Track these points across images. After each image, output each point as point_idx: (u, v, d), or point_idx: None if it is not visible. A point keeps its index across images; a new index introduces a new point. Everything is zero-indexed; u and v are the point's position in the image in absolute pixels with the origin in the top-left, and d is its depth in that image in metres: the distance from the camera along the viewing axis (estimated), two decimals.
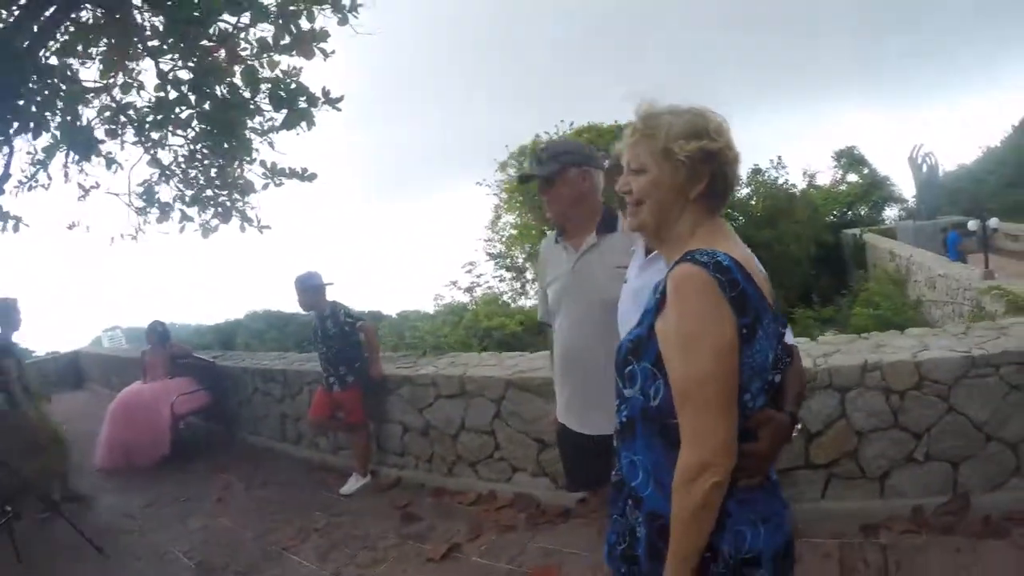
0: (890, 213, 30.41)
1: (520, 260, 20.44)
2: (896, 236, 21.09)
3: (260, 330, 21.24)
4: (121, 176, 6.73)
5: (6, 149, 5.36)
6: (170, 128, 5.83)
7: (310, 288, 4.71)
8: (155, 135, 6.10)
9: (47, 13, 4.89)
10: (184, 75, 5.24)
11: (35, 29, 4.88)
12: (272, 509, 4.45)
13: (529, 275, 19.91)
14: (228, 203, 6.55)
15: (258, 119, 5.68)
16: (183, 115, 5.53)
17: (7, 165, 5.49)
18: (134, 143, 6.18)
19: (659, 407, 1.21)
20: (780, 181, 23.39)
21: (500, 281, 19.71)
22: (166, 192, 6.55)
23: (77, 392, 11.57)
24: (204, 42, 4.99)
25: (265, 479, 5.13)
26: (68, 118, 5.40)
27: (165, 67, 5.28)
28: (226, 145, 5.80)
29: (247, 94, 5.30)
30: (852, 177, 31.78)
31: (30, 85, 4.88)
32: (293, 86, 5.20)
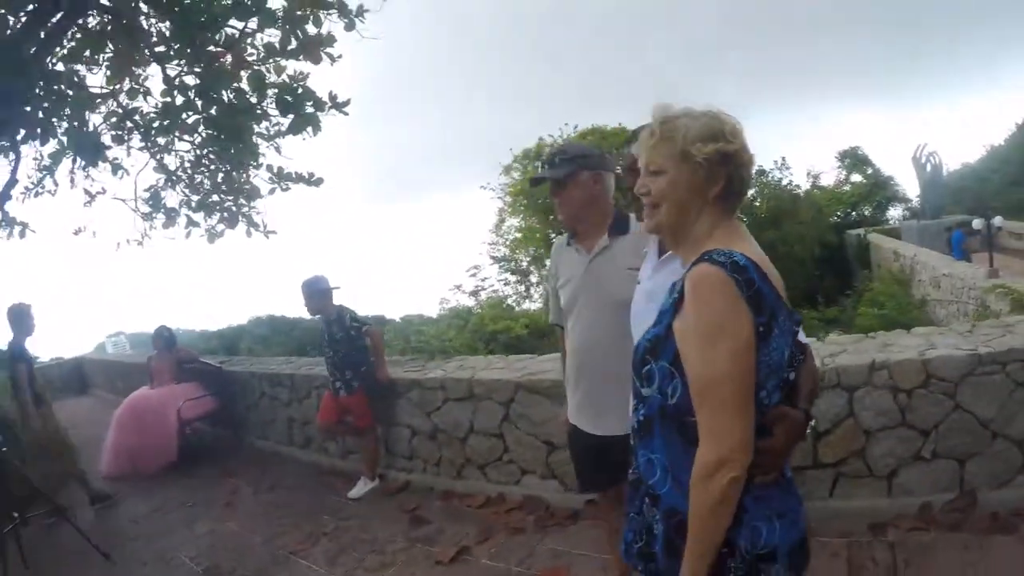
0: (894, 213, 30.44)
1: (525, 263, 20.48)
2: (900, 236, 21.08)
3: (264, 335, 21.28)
4: (127, 182, 6.77)
5: (13, 155, 5.40)
6: (176, 133, 5.87)
7: (316, 292, 4.72)
8: (161, 140, 6.14)
9: (54, 19, 4.92)
10: (191, 80, 5.27)
11: (42, 35, 4.90)
12: (280, 513, 4.46)
13: (534, 279, 19.95)
14: (234, 208, 6.57)
15: (265, 124, 5.70)
16: (190, 120, 5.56)
17: (14, 171, 5.52)
18: (140, 149, 6.21)
19: (677, 405, 1.23)
20: (784, 182, 23.46)
21: (505, 285, 19.77)
22: (172, 197, 6.58)
23: (82, 398, 11.62)
24: (211, 47, 5.01)
25: (273, 483, 5.14)
26: (75, 124, 5.44)
27: (172, 72, 5.31)
28: (233, 150, 5.82)
29: (254, 99, 5.33)
30: (856, 177, 31.79)
31: (37, 91, 4.91)
32: (300, 91, 5.23)
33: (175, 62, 5.31)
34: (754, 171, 1.37)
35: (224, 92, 5.27)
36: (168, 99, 5.36)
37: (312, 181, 5.96)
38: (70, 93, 5.32)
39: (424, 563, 3.41)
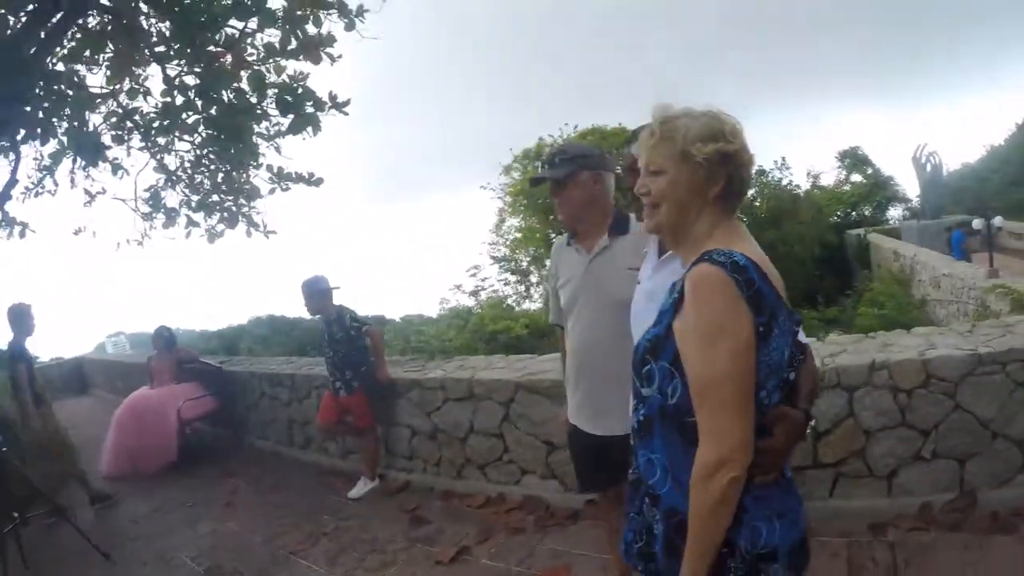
0: (894, 213, 30.45)
1: (525, 264, 20.48)
2: (900, 236, 21.08)
3: (264, 335, 21.30)
4: (127, 182, 6.76)
5: (13, 155, 5.39)
6: (177, 133, 5.87)
7: (316, 292, 4.71)
8: (162, 140, 6.13)
9: (54, 19, 4.92)
10: (191, 80, 5.27)
11: (42, 35, 4.90)
12: (280, 513, 4.46)
13: (534, 279, 19.94)
14: (234, 208, 6.57)
15: (265, 124, 5.70)
16: (190, 120, 5.56)
17: (14, 171, 5.52)
18: (140, 149, 6.21)
19: (677, 405, 1.23)
20: (784, 182, 23.46)
21: (505, 285, 19.77)
22: (172, 197, 6.57)
23: (82, 398, 11.62)
24: (211, 48, 5.01)
25: (273, 483, 5.14)
26: (75, 124, 5.44)
27: (172, 72, 5.31)
28: (233, 150, 5.82)
29: (254, 99, 5.33)
30: (856, 177, 31.79)
31: (37, 91, 4.91)
32: (300, 91, 5.23)
33: (175, 62, 5.31)
34: (754, 171, 1.37)
35: (224, 92, 5.27)
36: (168, 99, 5.36)
37: (312, 181, 5.96)
38: (70, 93, 5.32)
39: (424, 563, 3.41)
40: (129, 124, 6.03)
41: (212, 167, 6.48)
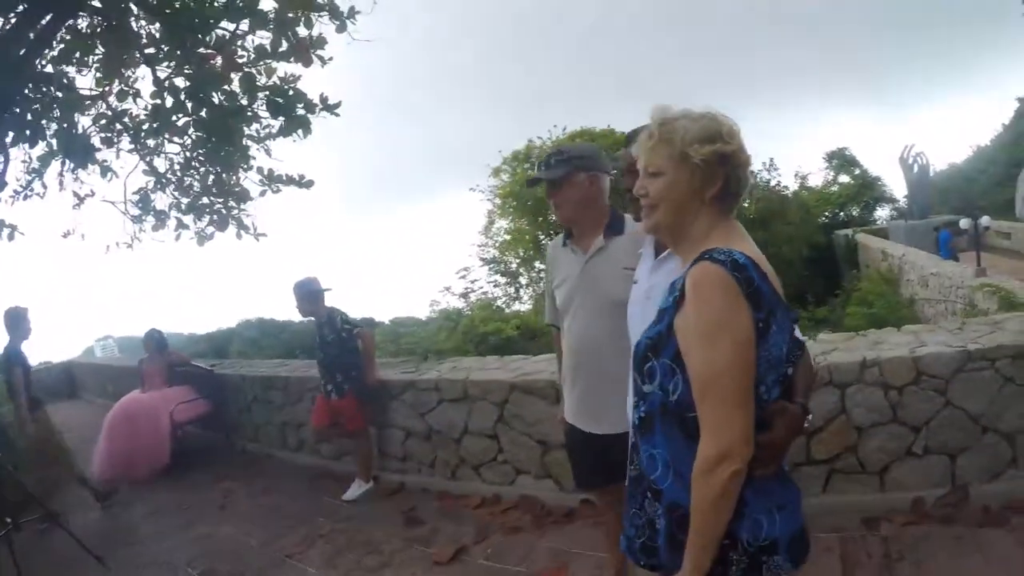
0: (882, 213, 30.70)
1: (514, 265, 20.48)
2: (888, 236, 21.27)
3: (254, 338, 21.21)
4: (117, 184, 6.70)
5: (1, 158, 5.34)
6: (166, 136, 5.83)
7: (308, 294, 4.70)
8: (151, 143, 6.09)
9: (43, 21, 4.89)
10: (181, 83, 5.25)
11: (31, 37, 4.87)
12: (275, 516, 4.44)
13: (523, 280, 19.94)
14: (224, 211, 6.53)
15: (255, 126, 5.68)
16: (180, 123, 5.53)
17: (3, 174, 5.46)
18: (130, 151, 6.16)
19: (678, 401, 1.25)
20: (772, 183, 23.60)
21: (495, 286, 19.74)
22: (162, 200, 6.52)
23: (71, 402, 11.51)
24: (201, 49, 4.99)
25: (267, 487, 5.12)
26: (64, 126, 5.40)
27: (162, 75, 5.28)
28: (223, 152, 5.80)
29: (245, 101, 5.31)
30: (844, 178, 32.04)
31: (26, 93, 4.88)
32: (291, 93, 5.22)
33: (165, 64, 5.28)
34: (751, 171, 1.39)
35: (214, 94, 5.25)
36: (158, 101, 5.32)
37: (303, 183, 5.93)
38: (59, 95, 5.28)
39: (422, 564, 3.41)
40: (119, 126, 5.97)
41: (202, 169, 6.43)
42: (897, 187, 29.26)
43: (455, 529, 3.76)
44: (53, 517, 4.17)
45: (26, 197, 6.17)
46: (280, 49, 5.08)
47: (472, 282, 16.28)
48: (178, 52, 5.02)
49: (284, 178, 5.93)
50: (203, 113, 5.37)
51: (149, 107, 5.55)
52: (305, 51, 5.12)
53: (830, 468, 3.24)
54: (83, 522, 4.71)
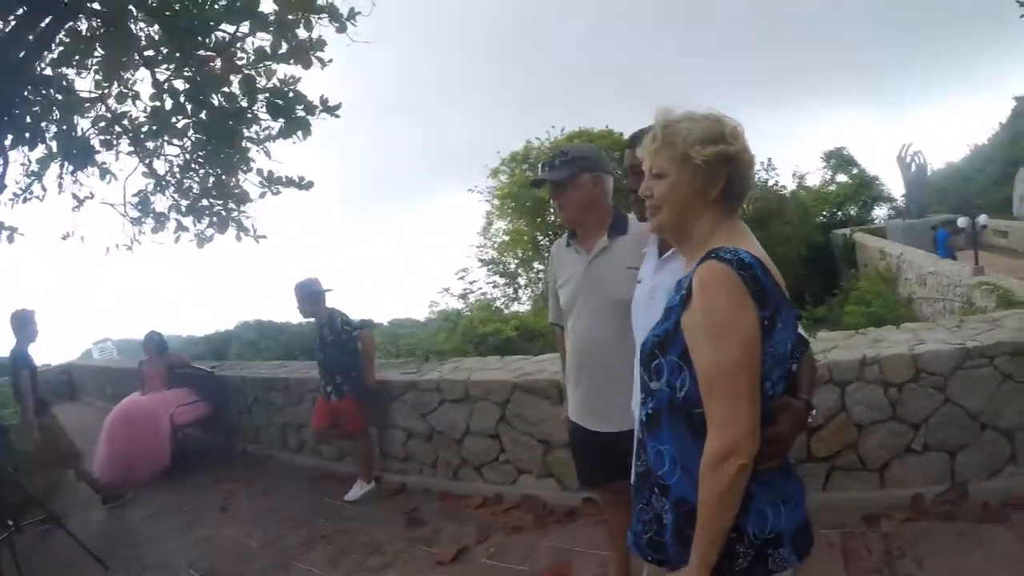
0: (879, 212, 30.74)
1: (512, 266, 20.48)
2: (886, 235, 21.30)
3: (252, 340, 21.20)
4: (116, 186, 6.69)
5: (1, 160, 5.34)
6: (166, 138, 5.83)
7: (309, 295, 4.70)
8: (151, 145, 6.10)
9: (43, 24, 4.89)
10: (180, 85, 5.25)
11: (31, 39, 4.87)
12: (277, 518, 4.44)
13: (522, 281, 19.94)
14: (224, 213, 6.53)
15: (255, 128, 5.69)
16: (179, 125, 5.53)
17: (2, 176, 5.46)
18: (129, 153, 6.16)
19: (685, 398, 1.27)
20: (770, 183, 23.64)
21: (493, 287, 19.74)
22: (161, 202, 6.52)
23: (70, 405, 11.48)
24: (200, 52, 5.00)
25: (268, 488, 5.12)
26: (64, 128, 5.40)
27: (161, 77, 5.29)
28: (223, 155, 5.80)
29: (245, 103, 5.32)
30: (841, 177, 32.10)
31: (26, 96, 4.88)
32: (291, 95, 5.22)
33: (165, 66, 5.28)
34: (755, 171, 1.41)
35: (214, 96, 5.26)
36: (158, 103, 5.33)
37: (302, 185, 5.93)
38: (59, 97, 5.29)
39: (425, 563, 3.42)
40: (118, 128, 5.98)
41: (202, 171, 6.43)
42: (895, 186, 29.34)
43: (457, 529, 3.77)
44: (55, 519, 4.18)
45: (26, 200, 6.16)
46: (280, 51, 5.08)
47: (471, 283, 16.28)
48: (177, 54, 5.03)
49: (284, 180, 5.93)
50: (203, 115, 5.37)
51: (148, 109, 5.55)
52: (305, 53, 5.12)
53: (831, 465, 3.26)
54: (84, 524, 4.71)
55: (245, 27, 4.96)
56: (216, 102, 5.33)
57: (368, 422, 4.71)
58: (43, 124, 5.31)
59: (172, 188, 6.53)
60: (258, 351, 18.54)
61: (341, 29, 5.22)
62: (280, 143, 5.63)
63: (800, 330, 1.40)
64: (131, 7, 4.94)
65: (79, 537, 4.01)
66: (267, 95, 5.26)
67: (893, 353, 3.22)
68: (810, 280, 19.12)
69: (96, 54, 5.39)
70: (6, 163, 5.42)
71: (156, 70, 5.30)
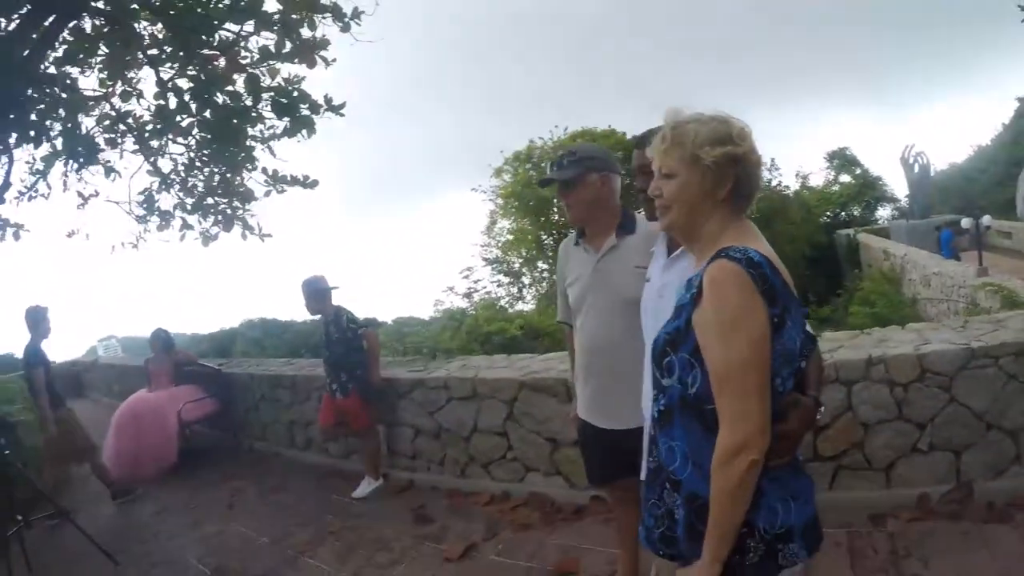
0: (883, 213, 30.74)
1: (516, 265, 20.49)
2: (890, 235, 21.30)
3: (257, 338, 21.27)
4: (121, 184, 6.72)
5: (6, 158, 5.37)
6: (170, 136, 5.85)
7: (316, 292, 4.72)
8: (155, 143, 6.12)
9: (47, 22, 4.91)
10: (184, 83, 5.28)
11: (35, 38, 4.89)
12: (285, 514, 4.47)
13: (526, 280, 19.95)
14: (229, 211, 6.55)
15: (259, 127, 5.70)
16: (184, 123, 5.55)
17: (7, 174, 5.49)
18: (134, 152, 6.19)
19: (696, 394, 1.29)
20: (774, 183, 23.64)
21: (498, 286, 19.77)
22: (166, 200, 6.55)
23: (78, 402, 11.50)
24: (204, 51, 5.02)
25: (276, 485, 5.14)
26: (68, 127, 5.42)
27: (165, 76, 5.31)
28: (227, 153, 5.82)
29: (249, 102, 5.33)
30: (844, 178, 32.08)
31: (30, 94, 4.90)
32: (295, 94, 5.24)
33: (169, 65, 5.31)
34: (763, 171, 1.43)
35: (219, 95, 5.28)
36: (162, 102, 5.35)
37: (307, 183, 5.95)
38: (63, 96, 5.30)
39: (433, 560, 3.44)
40: (122, 127, 6.00)
41: (207, 170, 6.45)
42: (898, 187, 29.36)
43: (465, 526, 3.78)
44: (64, 514, 4.21)
45: (31, 198, 6.19)
46: (284, 50, 5.10)
47: (475, 282, 16.33)
48: (182, 53, 5.05)
49: (288, 178, 5.95)
50: (207, 114, 5.40)
51: (153, 108, 5.58)
52: (309, 52, 5.15)
53: (837, 464, 3.27)
54: (93, 519, 4.74)
55: (249, 26, 4.99)
56: (220, 101, 5.36)
57: (374, 420, 4.72)
58: (48, 122, 5.33)
59: (177, 186, 6.55)
60: (263, 349, 18.60)
61: (345, 28, 5.24)
62: (283, 142, 5.65)
63: (808, 328, 1.42)
64: (135, 6, 4.97)
65: (88, 532, 4.04)
66: (271, 94, 5.28)
67: (899, 353, 3.22)
68: (814, 280, 19.14)
69: (100, 53, 5.42)
70: (11, 161, 5.46)
71: (160, 69, 5.32)
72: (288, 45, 5.10)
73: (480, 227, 22.20)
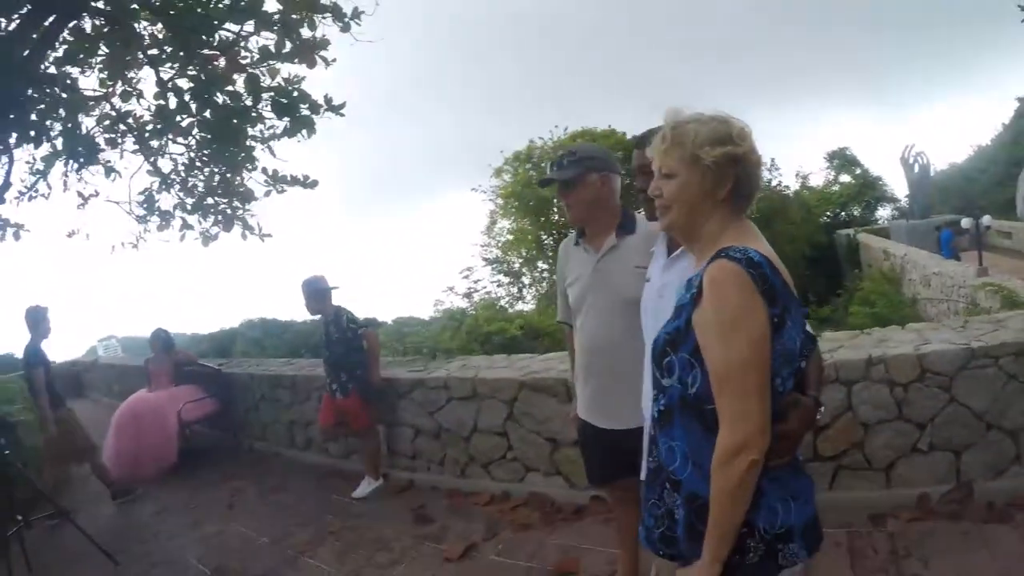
0: (883, 213, 30.75)
1: (516, 265, 20.49)
2: (889, 235, 21.31)
3: (257, 338, 21.27)
4: (122, 184, 6.72)
5: (6, 158, 5.37)
6: (170, 136, 5.85)
7: (316, 292, 4.71)
8: (155, 143, 6.12)
9: (47, 22, 4.91)
10: (184, 83, 5.27)
11: (35, 38, 4.89)
12: (285, 514, 4.46)
13: (526, 280, 19.96)
14: (229, 211, 6.55)
15: (259, 127, 5.70)
16: (184, 123, 5.55)
17: (7, 174, 5.49)
18: (134, 152, 6.19)
19: (696, 394, 1.29)
20: (774, 183, 23.65)
21: (498, 286, 19.77)
22: (166, 200, 6.54)
23: (78, 402, 11.50)
24: (204, 51, 5.02)
25: (275, 485, 5.14)
26: (68, 127, 5.42)
27: (165, 76, 5.31)
28: (227, 153, 5.82)
29: (249, 102, 5.33)
30: (844, 178, 32.08)
31: (30, 94, 4.90)
32: (295, 94, 5.24)
33: (169, 65, 5.31)
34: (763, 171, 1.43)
35: (219, 95, 5.28)
36: (162, 102, 5.35)
37: (307, 183, 5.95)
38: (63, 96, 5.30)
39: (433, 560, 3.44)
40: (123, 127, 5.99)
41: (207, 170, 6.45)
42: (898, 187, 29.37)
43: (465, 526, 3.78)
44: (63, 514, 4.21)
45: (31, 197, 6.19)
46: (284, 50, 5.10)
47: (475, 282, 16.34)
48: (182, 53, 5.05)
49: (288, 178, 5.94)
50: (207, 114, 5.40)
51: (153, 108, 5.58)
52: (309, 52, 5.14)
53: (837, 464, 3.27)
54: (93, 519, 4.74)
55: (249, 26, 4.99)
56: (220, 101, 5.36)
57: (374, 420, 4.72)
58: (48, 122, 5.33)
59: (177, 186, 6.55)
60: (263, 349, 18.60)
61: (345, 28, 5.24)
62: (283, 142, 5.65)
63: (808, 328, 1.42)
64: (135, 6, 4.97)
65: (88, 532, 4.04)
66: (271, 94, 5.28)
67: (899, 353, 3.22)
68: (814, 280, 19.14)
69: (100, 53, 5.42)
70: (11, 161, 5.45)
71: (160, 69, 5.32)
72: (288, 45, 5.10)
73: (480, 227, 22.23)
